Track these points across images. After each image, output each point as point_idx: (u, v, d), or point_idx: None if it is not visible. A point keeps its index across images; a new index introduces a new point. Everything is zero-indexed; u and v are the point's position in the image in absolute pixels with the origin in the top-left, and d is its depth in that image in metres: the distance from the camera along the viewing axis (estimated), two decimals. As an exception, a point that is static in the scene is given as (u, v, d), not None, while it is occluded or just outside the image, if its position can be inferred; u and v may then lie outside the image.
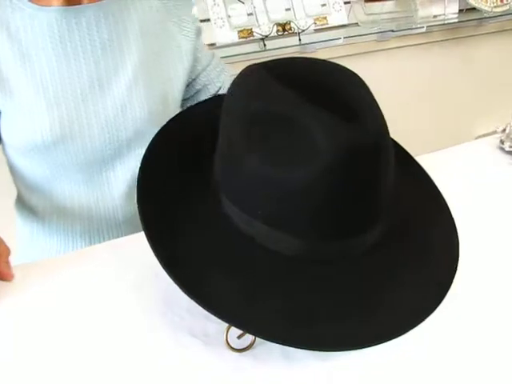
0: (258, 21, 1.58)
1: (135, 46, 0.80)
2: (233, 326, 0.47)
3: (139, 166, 0.55)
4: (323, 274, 0.50)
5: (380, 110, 0.48)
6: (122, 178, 0.83)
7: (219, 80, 0.96)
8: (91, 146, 0.79)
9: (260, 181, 0.47)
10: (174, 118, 0.60)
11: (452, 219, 0.59)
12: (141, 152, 0.78)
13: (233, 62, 1.59)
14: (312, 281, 0.49)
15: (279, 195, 0.46)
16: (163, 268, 0.47)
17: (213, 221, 0.52)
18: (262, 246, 0.49)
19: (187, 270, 0.48)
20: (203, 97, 0.95)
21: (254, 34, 1.57)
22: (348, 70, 0.50)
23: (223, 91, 0.96)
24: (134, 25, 0.80)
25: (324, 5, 1.63)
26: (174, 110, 0.86)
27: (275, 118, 0.45)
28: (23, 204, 0.89)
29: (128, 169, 0.83)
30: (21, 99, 0.75)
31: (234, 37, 1.56)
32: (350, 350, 0.48)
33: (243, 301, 0.47)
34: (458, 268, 0.54)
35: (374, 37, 1.80)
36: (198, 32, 0.91)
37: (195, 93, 0.95)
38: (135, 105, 0.79)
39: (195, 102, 0.95)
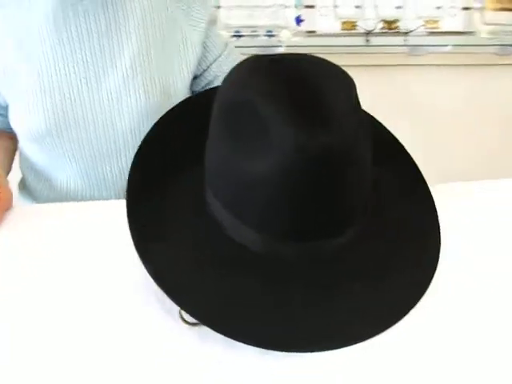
0: (364, 14, 1.54)
1: (135, 35, 0.78)
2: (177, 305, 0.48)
3: (132, 159, 0.56)
4: (281, 274, 0.51)
5: (355, 117, 0.47)
6: (118, 175, 0.82)
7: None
8: (86, 137, 0.79)
9: (225, 168, 0.49)
10: (172, 109, 0.61)
11: (438, 230, 0.56)
12: None
13: (333, 53, 1.58)
14: (267, 280, 0.50)
15: (239, 185, 0.48)
16: (134, 245, 0.50)
17: (192, 209, 0.54)
18: (229, 237, 0.51)
19: (155, 249, 0.50)
20: None
21: (358, 27, 1.54)
22: (341, 72, 0.50)
23: None
24: (135, 13, 0.78)
25: (439, 7, 1.55)
26: (176, 103, 0.85)
27: (244, 109, 0.47)
28: (24, 185, 0.92)
29: (125, 167, 0.81)
30: (20, 89, 0.77)
31: (336, 27, 1.54)
32: (287, 351, 0.47)
33: (192, 283, 0.49)
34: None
35: (491, 49, 1.67)
36: (211, 21, 0.87)
37: (206, 84, 0.90)
38: (132, 97, 0.78)
39: None
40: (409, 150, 0.62)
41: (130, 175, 0.55)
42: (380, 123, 0.62)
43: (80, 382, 0.49)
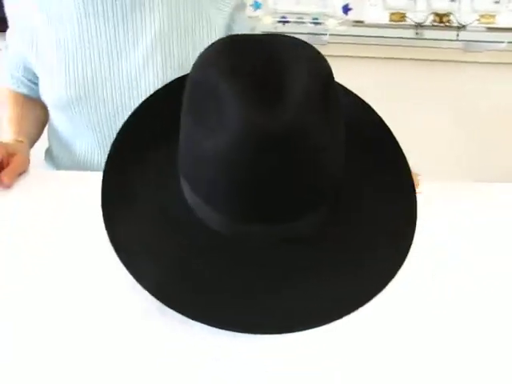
0: (415, 6, 1.49)
1: (158, 13, 0.79)
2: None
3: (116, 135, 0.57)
4: (248, 257, 0.50)
5: (316, 101, 0.45)
6: None
7: None
8: (104, 110, 0.82)
9: (188, 147, 0.49)
10: (164, 86, 0.60)
11: (412, 218, 0.53)
12: None
13: (381, 45, 1.54)
14: (235, 263, 0.50)
15: (198, 163, 0.48)
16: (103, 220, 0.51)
17: (166, 189, 0.54)
18: (198, 219, 0.50)
19: (123, 230, 0.51)
20: None
21: (407, 19, 1.49)
22: (314, 55, 0.48)
23: None
24: None
25: (497, 2, 1.47)
26: None
27: (206, 86, 0.46)
28: (49, 153, 0.97)
29: None
30: (45, 58, 0.81)
31: (384, 18, 1.50)
32: (236, 331, 0.47)
33: (159, 268, 0.49)
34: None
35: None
36: (238, 6, 0.87)
37: None
38: (150, 75, 0.80)
39: None
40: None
41: (113, 146, 0.56)
42: (373, 112, 0.58)
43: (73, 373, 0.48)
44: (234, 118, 0.44)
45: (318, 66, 0.48)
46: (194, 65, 0.50)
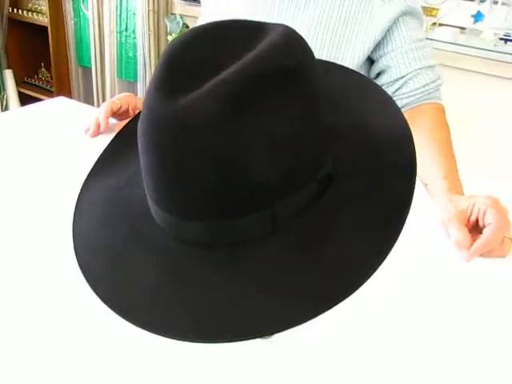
0: None
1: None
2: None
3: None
4: (179, 256, 0.45)
5: (227, 95, 0.38)
6: None
7: (407, 66, 0.85)
8: None
9: None
10: None
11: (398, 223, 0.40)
12: None
13: None
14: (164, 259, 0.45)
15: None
16: None
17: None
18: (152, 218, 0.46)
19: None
20: (384, 80, 0.87)
21: None
22: (281, 44, 0.40)
23: (411, 81, 0.86)
24: None
25: None
26: None
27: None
28: None
29: None
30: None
31: None
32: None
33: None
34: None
35: None
36: (407, 12, 0.83)
37: (378, 73, 0.88)
38: None
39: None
40: None
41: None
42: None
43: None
44: (148, 99, 0.41)
45: (269, 59, 0.39)
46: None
